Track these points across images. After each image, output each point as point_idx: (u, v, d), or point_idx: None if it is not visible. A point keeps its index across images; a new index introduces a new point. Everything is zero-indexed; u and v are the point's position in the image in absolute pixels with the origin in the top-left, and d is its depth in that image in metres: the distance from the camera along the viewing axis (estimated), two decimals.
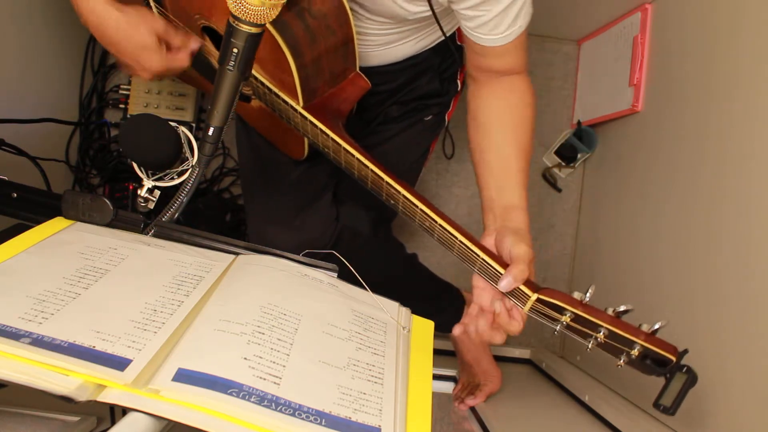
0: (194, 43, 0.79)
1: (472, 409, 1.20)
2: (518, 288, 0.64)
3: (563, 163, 1.62)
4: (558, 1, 1.47)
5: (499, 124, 0.79)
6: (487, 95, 0.81)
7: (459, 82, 1.08)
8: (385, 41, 0.90)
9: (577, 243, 1.63)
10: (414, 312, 0.66)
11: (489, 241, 0.71)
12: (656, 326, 0.59)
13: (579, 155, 1.60)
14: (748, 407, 0.84)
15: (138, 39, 0.73)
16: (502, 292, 0.65)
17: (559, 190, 1.65)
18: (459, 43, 1.02)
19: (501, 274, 0.65)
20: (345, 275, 0.66)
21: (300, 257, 0.66)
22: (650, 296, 1.15)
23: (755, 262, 0.87)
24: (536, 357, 1.51)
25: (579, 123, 1.59)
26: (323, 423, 0.44)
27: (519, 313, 0.67)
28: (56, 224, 0.63)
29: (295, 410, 0.44)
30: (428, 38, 0.95)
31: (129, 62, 0.76)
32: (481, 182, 0.78)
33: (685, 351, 0.59)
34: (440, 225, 0.70)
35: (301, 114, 0.80)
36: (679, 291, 1.06)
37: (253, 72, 0.81)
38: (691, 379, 0.58)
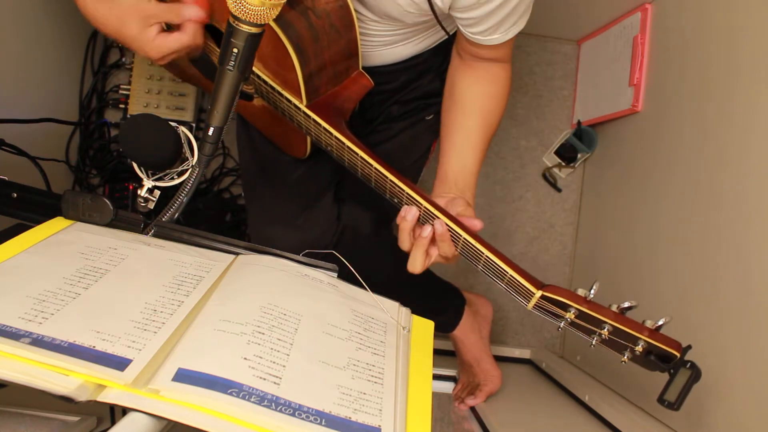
0: (193, 12, 0.71)
1: (472, 409, 1.20)
2: (522, 284, 0.65)
3: (563, 163, 1.62)
4: (558, 1, 1.47)
5: (475, 109, 0.86)
6: (470, 76, 0.87)
7: None
8: (386, 42, 0.90)
9: (577, 243, 1.63)
10: (414, 312, 0.66)
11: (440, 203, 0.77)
12: (660, 322, 0.59)
13: (579, 155, 1.59)
14: (749, 406, 0.84)
15: (126, 33, 0.70)
16: (504, 281, 0.68)
17: (559, 190, 1.65)
18: None
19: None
20: (345, 275, 0.66)
21: (300, 257, 0.66)
22: (650, 296, 1.15)
23: (755, 263, 0.87)
24: (536, 357, 1.51)
25: (579, 123, 1.59)
26: (323, 423, 0.44)
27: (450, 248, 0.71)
28: (56, 224, 0.62)
29: (295, 410, 0.44)
30: (430, 39, 0.95)
31: (135, 51, 0.75)
32: (444, 156, 0.86)
33: (689, 347, 0.59)
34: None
35: (304, 112, 0.80)
36: (678, 290, 1.06)
37: (256, 70, 0.81)
38: (695, 374, 0.58)
